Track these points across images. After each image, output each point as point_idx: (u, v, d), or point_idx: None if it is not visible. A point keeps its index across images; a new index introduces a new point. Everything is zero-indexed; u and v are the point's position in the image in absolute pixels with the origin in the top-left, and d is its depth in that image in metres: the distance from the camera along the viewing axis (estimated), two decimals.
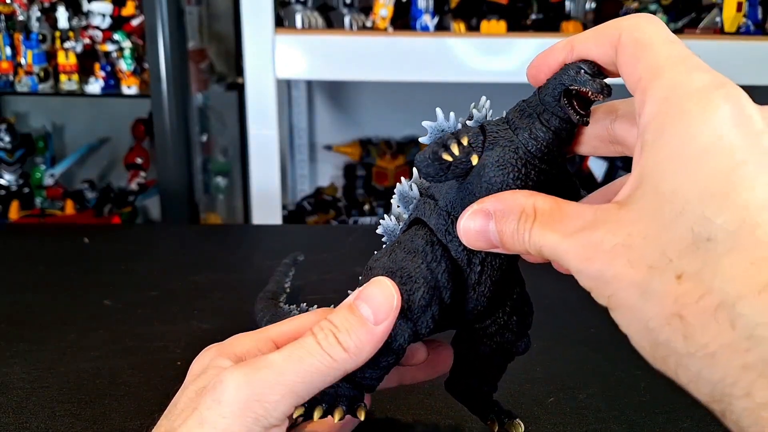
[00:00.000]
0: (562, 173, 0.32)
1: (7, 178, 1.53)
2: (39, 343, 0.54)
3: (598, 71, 0.29)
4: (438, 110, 0.33)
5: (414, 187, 0.35)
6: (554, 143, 0.30)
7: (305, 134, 1.90)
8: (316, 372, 0.29)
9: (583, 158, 1.74)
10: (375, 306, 0.30)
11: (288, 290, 0.61)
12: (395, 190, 0.36)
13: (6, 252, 0.77)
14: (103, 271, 0.71)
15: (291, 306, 0.50)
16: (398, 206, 0.36)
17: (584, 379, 0.49)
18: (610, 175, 1.73)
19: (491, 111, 0.33)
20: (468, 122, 0.32)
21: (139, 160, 1.62)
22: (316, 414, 0.32)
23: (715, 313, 0.21)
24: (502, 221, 0.28)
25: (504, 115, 0.32)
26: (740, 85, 0.24)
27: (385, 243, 0.37)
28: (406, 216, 0.36)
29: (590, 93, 0.28)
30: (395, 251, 0.34)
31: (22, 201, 1.53)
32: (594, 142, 0.31)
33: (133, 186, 1.61)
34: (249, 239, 0.78)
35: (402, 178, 0.36)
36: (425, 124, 0.33)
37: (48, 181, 1.59)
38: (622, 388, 0.48)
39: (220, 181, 1.77)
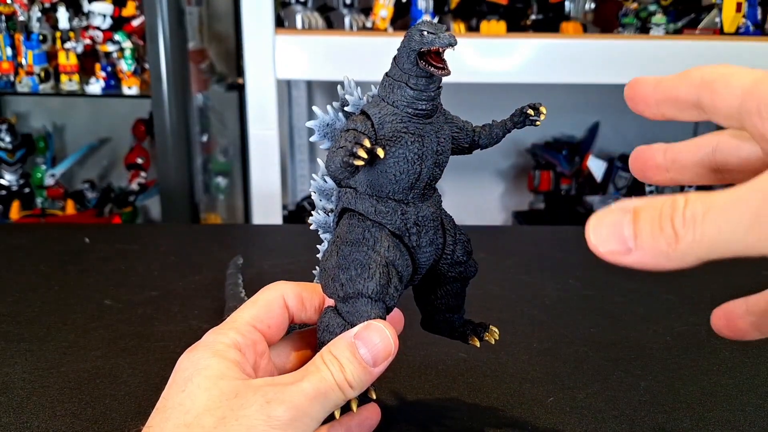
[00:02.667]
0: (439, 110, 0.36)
1: (8, 178, 1.53)
2: (39, 343, 0.54)
3: (437, 26, 0.33)
4: (315, 108, 0.36)
5: (327, 179, 0.38)
6: (426, 96, 0.34)
7: (305, 134, 1.90)
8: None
9: (583, 158, 1.74)
10: (374, 352, 0.34)
11: (246, 298, 0.61)
12: (311, 188, 0.39)
13: (6, 252, 0.77)
14: (104, 270, 0.71)
15: None
16: (320, 200, 0.39)
17: (584, 379, 0.50)
18: (609, 175, 1.73)
19: (359, 88, 0.36)
20: (346, 109, 0.36)
21: (139, 160, 1.62)
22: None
23: None
24: (645, 217, 0.24)
25: (373, 92, 0.36)
26: None
27: (321, 236, 0.40)
28: (330, 206, 0.38)
29: (440, 49, 0.33)
30: (340, 247, 0.36)
31: (22, 201, 1.53)
32: (696, 169, 0.32)
33: (134, 186, 1.61)
34: (249, 239, 0.78)
35: (313, 175, 0.39)
36: (308, 124, 0.37)
37: (49, 181, 1.59)
38: (622, 388, 0.48)
39: (220, 181, 1.77)
